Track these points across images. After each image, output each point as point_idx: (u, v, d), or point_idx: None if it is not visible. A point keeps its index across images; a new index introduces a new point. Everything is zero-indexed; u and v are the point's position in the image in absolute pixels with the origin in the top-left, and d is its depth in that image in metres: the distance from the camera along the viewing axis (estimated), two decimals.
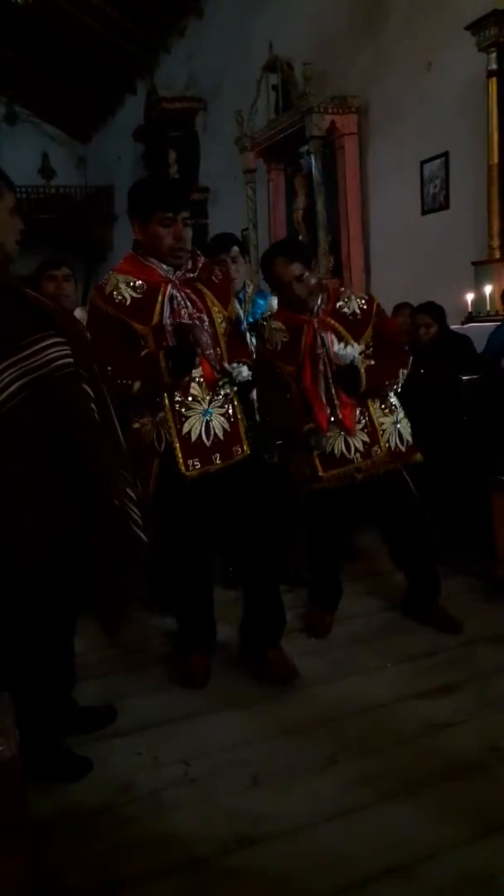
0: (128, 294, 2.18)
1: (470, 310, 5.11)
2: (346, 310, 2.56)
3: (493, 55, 5.02)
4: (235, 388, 2.31)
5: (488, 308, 5.02)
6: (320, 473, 2.53)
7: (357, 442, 2.54)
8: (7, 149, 14.07)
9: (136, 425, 2.23)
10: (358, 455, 2.54)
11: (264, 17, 8.31)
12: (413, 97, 6.21)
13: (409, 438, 2.64)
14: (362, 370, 2.45)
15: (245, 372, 2.27)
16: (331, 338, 2.49)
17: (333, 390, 2.50)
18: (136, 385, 2.12)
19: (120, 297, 2.18)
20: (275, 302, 2.85)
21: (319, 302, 2.54)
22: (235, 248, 2.95)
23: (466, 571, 3.11)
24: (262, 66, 7.80)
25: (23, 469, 1.62)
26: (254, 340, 2.84)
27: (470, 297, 5.12)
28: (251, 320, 2.99)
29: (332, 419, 2.51)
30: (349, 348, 2.45)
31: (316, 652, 2.56)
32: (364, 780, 1.85)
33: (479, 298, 5.08)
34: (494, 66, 5.04)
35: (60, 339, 1.66)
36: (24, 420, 1.60)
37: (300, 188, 7.81)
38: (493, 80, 5.06)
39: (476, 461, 3.11)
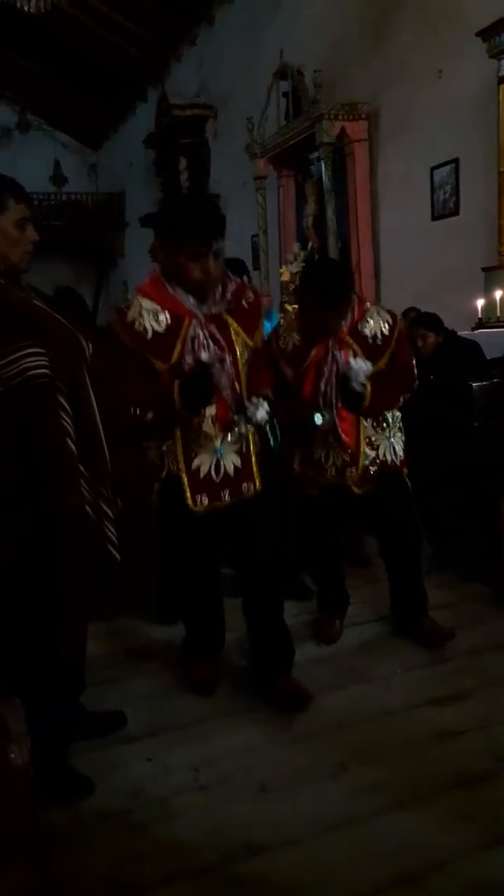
0: (149, 325, 2.08)
1: (480, 316, 5.10)
2: (366, 331, 2.48)
3: None
4: (251, 428, 2.22)
5: (498, 314, 5.01)
6: (294, 468, 2.56)
7: (339, 459, 2.52)
8: (19, 156, 14.19)
9: (146, 448, 2.20)
10: (333, 469, 2.53)
11: (275, 25, 8.35)
12: (423, 104, 6.22)
13: (402, 453, 2.62)
14: (368, 389, 2.37)
15: (261, 413, 2.15)
16: (345, 355, 2.42)
17: (335, 403, 2.45)
18: (149, 415, 2.05)
19: (141, 328, 2.08)
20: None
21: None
22: (245, 279, 2.89)
23: (475, 579, 3.10)
24: (273, 73, 7.83)
25: None
26: None
27: (480, 302, 5.11)
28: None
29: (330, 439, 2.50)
30: (361, 362, 2.39)
31: (325, 659, 2.56)
32: (373, 788, 1.85)
33: (490, 304, 5.07)
34: None
35: (39, 349, 1.65)
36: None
37: (310, 195, 7.83)
38: None
39: (486, 468, 3.10)
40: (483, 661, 2.47)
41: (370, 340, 2.47)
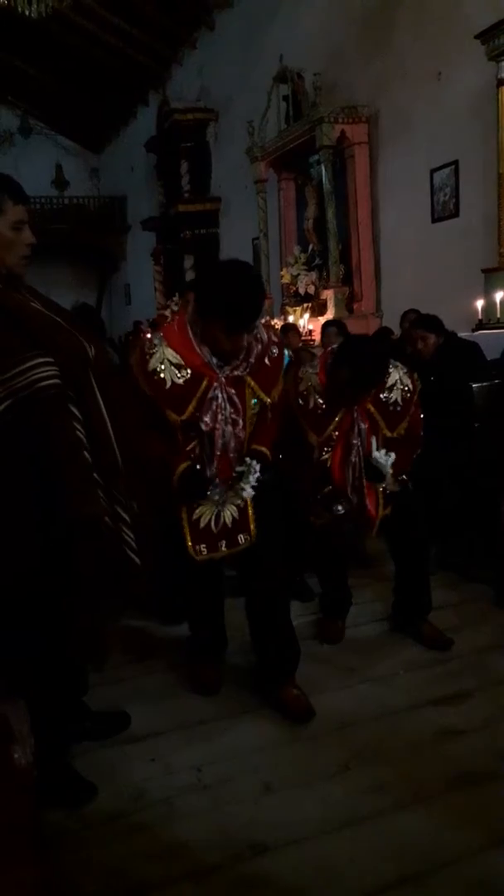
0: (169, 377, 2.05)
1: (480, 317, 5.11)
2: (389, 398, 2.45)
3: (503, 64, 5.04)
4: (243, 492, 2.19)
5: (498, 315, 5.02)
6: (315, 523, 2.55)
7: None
8: (22, 160, 14.25)
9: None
10: (353, 526, 2.58)
11: (275, 29, 8.39)
12: (423, 106, 6.24)
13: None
14: (390, 473, 2.42)
15: (248, 491, 2.15)
16: (368, 435, 2.41)
17: (361, 479, 2.45)
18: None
19: (160, 378, 2.06)
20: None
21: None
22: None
23: (478, 579, 3.10)
24: (273, 77, 7.87)
25: (3, 492, 1.60)
26: None
27: (480, 304, 5.12)
28: None
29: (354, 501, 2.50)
30: (386, 457, 2.40)
31: (328, 659, 2.56)
32: (376, 788, 1.85)
33: (490, 305, 5.08)
34: None
35: (47, 359, 1.62)
36: (8, 443, 1.59)
37: (311, 197, 7.85)
38: (503, 89, 5.08)
39: (488, 468, 3.11)
40: (485, 661, 2.47)
41: (391, 408, 2.46)
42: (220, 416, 2.10)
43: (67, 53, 12.10)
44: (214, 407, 2.09)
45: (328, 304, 7.16)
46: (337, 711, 2.21)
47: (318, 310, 7.38)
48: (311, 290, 7.66)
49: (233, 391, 2.11)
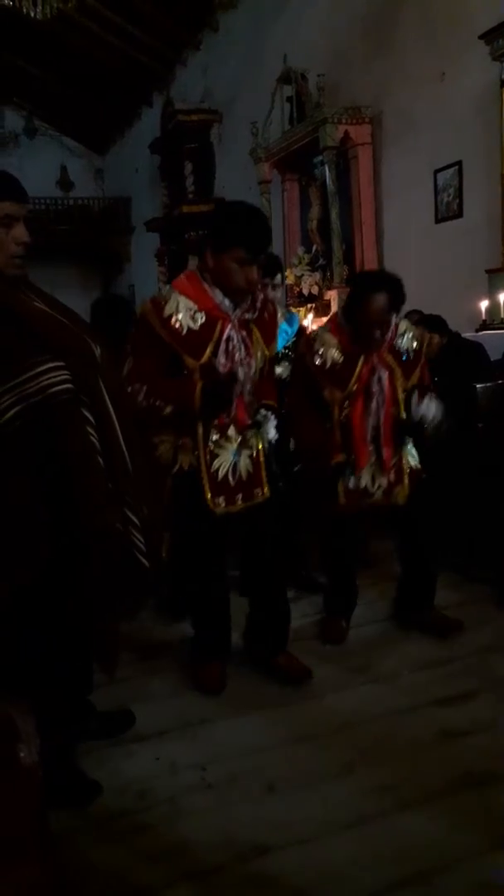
0: (186, 322, 2.11)
1: (484, 317, 5.10)
2: (401, 348, 2.53)
3: None
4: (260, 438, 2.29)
5: (502, 315, 5.02)
6: (340, 501, 2.54)
7: (383, 480, 2.55)
8: (27, 161, 14.28)
9: (157, 442, 2.22)
10: (380, 491, 2.55)
11: (278, 30, 8.39)
12: (426, 107, 6.23)
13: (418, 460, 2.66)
14: (437, 417, 2.47)
15: (272, 431, 2.26)
16: (389, 384, 2.47)
17: (381, 430, 2.48)
18: (168, 409, 2.11)
19: (178, 324, 2.11)
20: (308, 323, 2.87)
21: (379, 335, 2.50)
22: (279, 276, 2.92)
23: (480, 579, 3.10)
24: (277, 77, 7.86)
25: (13, 498, 1.59)
26: (279, 369, 2.85)
27: (484, 304, 5.12)
28: (279, 349, 3.00)
29: (373, 458, 2.51)
30: (432, 405, 2.45)
31: (331, 658, 2.56)
32: (380, 788, 1.85)
33: (494, 306, 5.08)
34: None
35: (58, 363, 1.59)
36: (19, 449, 1.57)
37: (315, 198, 7.85)
38: None
39: (491, 468, 3.11)
40: (489, 661, 2.47)
41: (403, 357, 2.52)
42: (236, 356, 2.16)
43: (72, 55, 12.11)
44: (230, 348, 2.15)
45: (332, 304, 7.16)
46: (340, 712, 2.21)
47: (322, 310, 7.38)
48: (315, 290, 7.66)
49: (244, 334, 2.18)
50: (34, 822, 1.40)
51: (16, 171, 1.80)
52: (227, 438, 2.20)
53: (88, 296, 12.82)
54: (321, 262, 7.69)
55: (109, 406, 1.73)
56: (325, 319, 6.46)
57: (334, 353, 2.49)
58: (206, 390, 2.10)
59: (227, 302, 2.15)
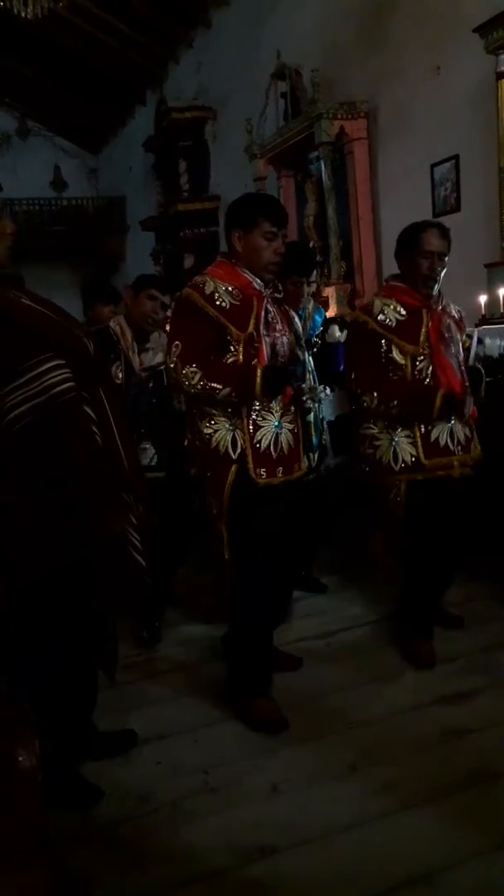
0: (227, 299, 2.19)
1: (483, 312, 5.08)
2: (453, 311, 2.62)
3: (502, 57, 5.01)
4: (312, 405, 2.40)
5: (501, 310, 4.99)
6: (423, 461, 2.43)
7: (461, 433, 2.50)
8: (20, 162, 14.25)
9: (208, 430, 2.19)
10: (459, 447, 2.49)
11: (271, 26, 8.36)
12: (422, 101, 6.21)
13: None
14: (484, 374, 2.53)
15: (329, 391, 2.38)
16: (455, 326, 2.55)
17: (463, 375, 2.48)
18: (224, 392, 2.12)
19: (221, 301, 2.18)
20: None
21: (435, 292, 2.55)
22: (315, 273, 3.02)
23: (484, 577, 3.08)
24: (271, 73, 7.83)
25: (21, 499, 1.57)
26: (309, 358, 2.92)
27: (483, 299, 5.09)
28: (311, 335, 3.09)
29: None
30: (478, 346, 2.50)
31: (333, 659, 2.55)
32: (384, 788, 1.84)
33: (493, 300, 5.05)
34: (503, 68, 5.03)
35: (59, 361, 1.58)
36: (24, 450, 1.55)
37: (311, 194, 7.82)
38: (503, 82, 5.05)
39: (492, 464, 3.08)
40: (493, 659, 2.46)
41: (457, 317, 2.64)
42: (277, 328, 2.26)
43: (64, 54, 12.07)
44: (270, 319, 2.24)
45: (330, 301, 7.14)
46: (344, 711, 2.20)
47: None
48: (313, 287, 7.64)
49: (276, 309, 2.30)
50: (34, 827, 1.39)
51: (9, 172, 1.80)
52: (270, 410, 2.22)
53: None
54: (318, 258, 7.67)
55: (105, 402, 1.72)
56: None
57: (396, 311, 2.51)
58: (267, 370, 2.14)
59: (257, 280, 2.25)
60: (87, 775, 1.91)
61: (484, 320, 5.04)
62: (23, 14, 7.86)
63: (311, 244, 7.84)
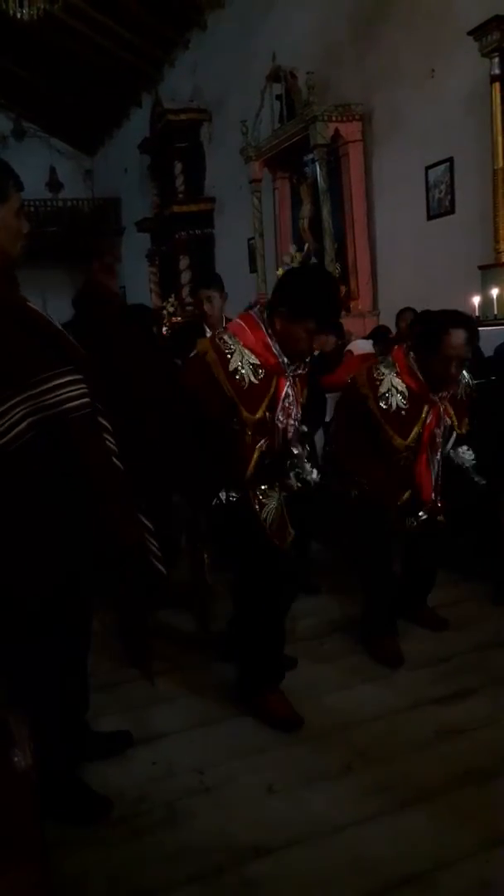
0: (248, 376, 2.12)
1: (477, 313, 5.10)
2: (457, 394, 2.53)
3: (496, 60, 5.04)
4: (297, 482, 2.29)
5: (495, 311, 5.02)
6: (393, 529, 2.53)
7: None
8: (15, 163, 13.98)
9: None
10: (413, 523, 2.54)
11: (267, 28, 8.38)
12: (417, 103, 6.23)
13: None
14: (473, 465, 2.53)
15: (314, 473, 2.28)
16: (447, 430, 2.49)
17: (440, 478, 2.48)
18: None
19: (240, 378, 2.12)
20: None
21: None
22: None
23: (477, 577, 3.09)
24: (266, 75, 7.85)
25: (24, 514, 1.55)
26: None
27: (476, 300, 5.12)
28: None
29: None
30: (468, 455, 2.48)
31: (328, 658, 2.55)
32: (380, 788, 1.85)
33: (486, 302, 5.08)
34: (497, 71, 5.06)
35: (76, 375, 1.54)
36: (32, 462, 1.53)
37: (306, 196, 7.84)
38: (497, 85, 5.08)
39: (484, 466, 3.09)
40: (486, 659, 2.46)
41: (458, 401, 2.55)
42: (292, 413, 2.21)
43: (59, 56, 12.08)
44: (287, 405, 2.19)
45: None
46: (339, 711, 2.20)
47: None
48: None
49: (295, 389, 2.24)
50: (28, 827, 1.39)
51: None
52: (273, 488, 2.19)
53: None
54: (313, 260, 7.68)
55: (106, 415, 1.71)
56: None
57: (400, 399, 2.42)
58: (260, 461, 2.12)
59: (285, 359, 2.18)
60: (82, 776, 1.90)
61: (477, 322, 5.06)
62: (18, 15, 7.87)
63: (305, 246, 7.84)
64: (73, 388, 1.53)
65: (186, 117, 10.57)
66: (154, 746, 2.08)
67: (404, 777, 1.88)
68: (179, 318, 9.79)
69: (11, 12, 7.91)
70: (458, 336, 2.33)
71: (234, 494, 2.17)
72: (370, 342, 4.83)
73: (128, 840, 1.73)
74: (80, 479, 1.59)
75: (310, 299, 2.14)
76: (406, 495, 2.46)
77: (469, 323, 2.42)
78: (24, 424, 1.49)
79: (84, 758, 1.97)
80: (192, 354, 2.41)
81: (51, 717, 1.73)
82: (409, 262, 6.52)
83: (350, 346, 4.64)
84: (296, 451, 2.26)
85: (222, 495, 2.17)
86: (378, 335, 5.33)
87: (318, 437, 3.53)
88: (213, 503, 2.20)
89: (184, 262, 10.93)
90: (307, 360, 2.29)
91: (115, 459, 1.64)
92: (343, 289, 7.21)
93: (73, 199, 15.72)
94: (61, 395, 1.52)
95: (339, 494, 2.56)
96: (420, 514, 2.49)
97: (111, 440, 1.65)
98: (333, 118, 6.89)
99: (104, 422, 1.64)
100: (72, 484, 1.58)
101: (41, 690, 1.71)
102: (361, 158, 7.04)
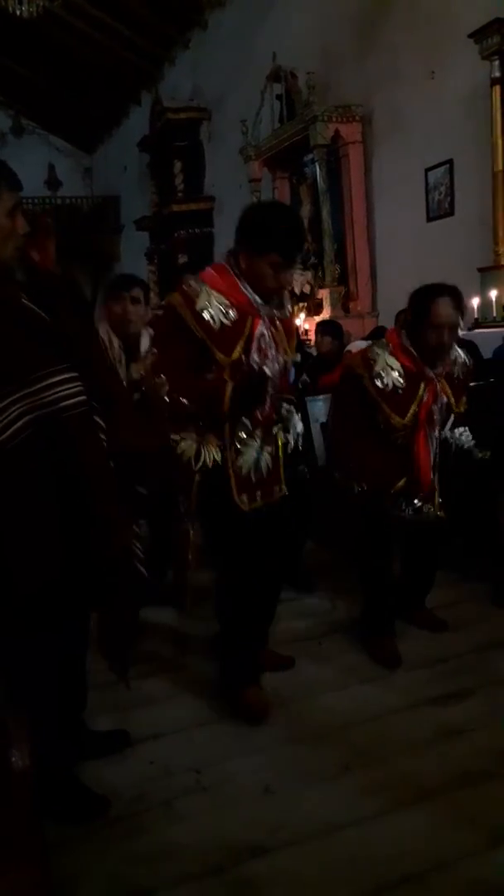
0: (218, 318, 2.06)
1: (476, 316, 5.11)
2: (453, 372, 2.53)
3: (496, 63, 5.05)
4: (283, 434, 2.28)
5: (494, 314, 5.03)
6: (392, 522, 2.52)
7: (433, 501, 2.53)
8: (13, 161, 13.95)
9: (176, 438, 2.09)
10: (410, 510, 2.52)
11: (268, 28, 8.38)
12: (417, 105, 6.24)
13: None
14: (474, 453, 2.53)
15: (299, 425, 2.27)
16: (445, 406, 2.48)
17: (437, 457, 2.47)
18: (191, 406, 2.05)
19: (209, 319, 2.05)
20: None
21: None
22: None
23: (476, 577, 3.10)
24: (266, 75, 7.85)
25: (22, 510, 1.55)
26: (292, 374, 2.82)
27: (476, 302, 5.12)
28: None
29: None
30: (466, 435, 2.49)
31: (326, 659, 2.55)
32: (377, 788, 1.85)
33: (485, 304, 5.09)
34: (497, 74, 5.07)
35: (73, 374, 1.54)
36: (28, 460, 1.52)
37: (305, 197, 7.84)
38: (497, 88, 5.09)
39: (484, 467, 3.10)
40: (485, 660, 2.47)
41: (455, 380, 2.54)
42: (269, 354, 2.15)
43: (59, 53, 12.07)
44: (263, 345, 2.13)
45: (324, 303, 7.16)
46: (336, 711, 2.20)
47: (314, 309, 7.38)
48: (307, 289, 7.65)
49: (273, 331, 2.18)
50: (26, 826, 1.39)
51: None
52: (252, 435, 2.16)
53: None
54: (312, 260, 7.69)
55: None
56: (317, 319, 6.48)
57: (396, 377, 2.41)
58: (239, 389, 2.06)
59: (258, 298, 2.13)
60: (79, 775, 1.90)
61: (476, 324, 5.08)
62: (18, 12, 7.85)
63: (305, 246, 7.85)
64: (69, 386, 1.53)
65: (186, 116, 10.57)
66: (151, 745, 2.08)
67: (402, 777, 1.88)
68: None
69: (11, 9, 7.88)
70: (445, 303, 2.40)
71: (215, 454, 2.10)
72: (370, 343, 4.83)
73: (125, 839, 1.73)
74: (76, 478, 1.59)
75: (271, 232, 2.08)
76: (402, 483, 2.45)
77: (453, 291, 2.46)
78: (21, 422, 1.49)
79: (81, 757, 1.97)
80: (162, 303, 2.39)
81: (49, 716, 1.73)
82: (409, 263, 6.52)
83: (349, 347, 4.65)
84: (286, 406, 2.26)
85: (205, 454, 2.10)
86: (377, 336, 5.33)
87: (318, 438, 3.53)
88: (196, 479, 2.13)
89: (183, 261, 10.93)
90: (283, 304, 2.25)
91: (109, 465, 1.65)
92: (342, 289, 7.22)
93: (72, 196, 15.70)
94: (58, 393, 1.52)
95: (341, 490, 2.55)
96: (416, 501, 2.46)
97: (105, 439, 1.65)
98: (333, 119, 6.89)
99: (99, 420, 1.63)
100: (68, 482, 1.58)
101: (39, 689, 1.71)
102: (361, 159, 7.04)
